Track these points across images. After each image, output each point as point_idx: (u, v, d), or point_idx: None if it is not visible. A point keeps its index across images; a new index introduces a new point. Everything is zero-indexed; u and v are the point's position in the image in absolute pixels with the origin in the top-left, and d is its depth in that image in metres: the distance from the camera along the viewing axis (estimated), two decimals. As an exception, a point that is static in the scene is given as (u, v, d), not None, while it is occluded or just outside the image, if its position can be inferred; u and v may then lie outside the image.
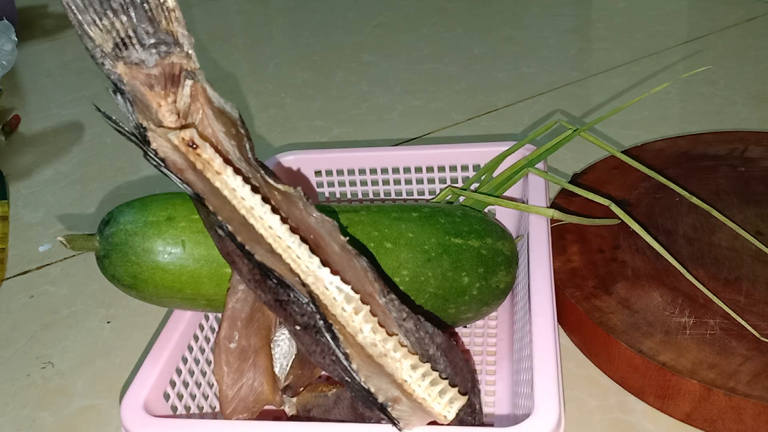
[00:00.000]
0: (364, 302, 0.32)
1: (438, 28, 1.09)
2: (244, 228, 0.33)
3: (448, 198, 0.51)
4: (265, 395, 0.40)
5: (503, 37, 1.02)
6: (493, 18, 1.10)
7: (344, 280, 0.32)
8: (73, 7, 0.32)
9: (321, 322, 0.31)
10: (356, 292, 0.32)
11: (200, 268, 0.38)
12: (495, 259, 0.44)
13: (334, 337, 0.31)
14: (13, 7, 1.21)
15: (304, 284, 0.32)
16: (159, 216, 0.37)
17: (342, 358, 0.31)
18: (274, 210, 0.33)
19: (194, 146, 0.33)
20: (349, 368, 0.31)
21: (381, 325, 0.32)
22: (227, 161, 0.34)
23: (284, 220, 0.33)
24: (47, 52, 1.18)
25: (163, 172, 0.33)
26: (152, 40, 0.33)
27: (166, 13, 0.33)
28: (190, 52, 0.34)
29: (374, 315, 0.32)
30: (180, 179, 0.33)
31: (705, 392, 0.39)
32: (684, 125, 0.73)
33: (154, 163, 0.33)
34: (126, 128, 0.33)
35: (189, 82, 0.33)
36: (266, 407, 0.44)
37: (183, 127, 0.33)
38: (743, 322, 0.43)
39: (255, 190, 0.34)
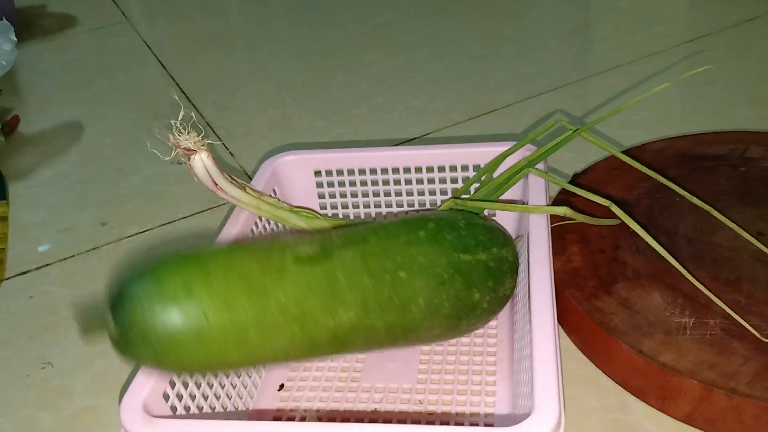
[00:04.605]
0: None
1: (438, 28, 1.09)
2: None
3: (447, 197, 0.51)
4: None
5: (503, 37, 1.02)
6: (493, 18, 1.10)
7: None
8: None
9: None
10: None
11: (226, 337, 0.35)
12: (501, 268, 0.44)
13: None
14: (12, 7, 1.21)
15: None
16: (177, 289, 0.34)
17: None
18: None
19: None
20: None
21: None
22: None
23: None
24: (47, 52, 1.18)
25: None
26: None
27: None
28: None
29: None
30: None
31: (705, 393, 0.39)
32: (684, 125, 0.73)
33: None
34: None
35: None
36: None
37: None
38: (744, 323, 0.43)
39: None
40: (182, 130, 0.41)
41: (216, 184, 0.44)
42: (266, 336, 0.36)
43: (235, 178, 0.46)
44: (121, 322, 0.34)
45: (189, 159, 0.42)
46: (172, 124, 0.41)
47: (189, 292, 0.34)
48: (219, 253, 0.36)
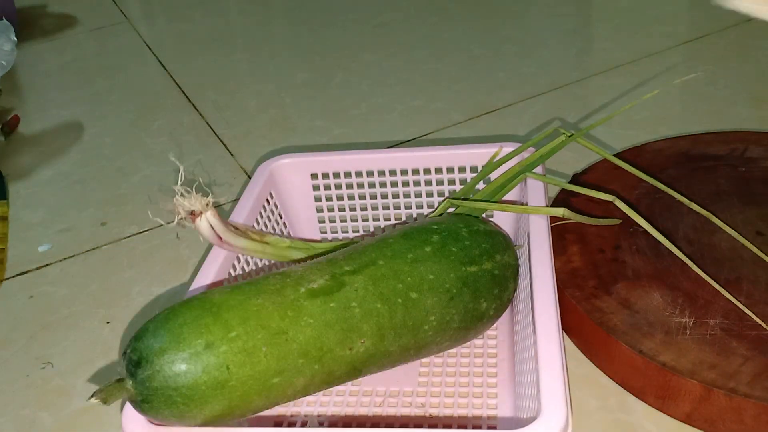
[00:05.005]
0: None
1: (438, 28, 1.09)
2: None
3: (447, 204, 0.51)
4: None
5: (503, 37, 1.02)
6: (493, 18, 1.10)
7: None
8: None
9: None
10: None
11: (249, 388, 0.35)
12: (505, 274, 0.44)
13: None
14: (12, 7, 1.21)
15: None
16: (196, 345, 0.33)
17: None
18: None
19: None
20: None
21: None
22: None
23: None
24: (46, 52, 1.18)
25: None
26: None
27: None
28: None
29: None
30: None
31: (705, 392, 0.39)
32: (684, 125, 0.73)
33: None
34: None
35: None
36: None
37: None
38: (752, 315, 0.42)
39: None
40: (185, 194, 0.41)
41: (221, 240, 0.44)
42: (288, 379, 0.36)
43: (237, 225, 0.46)
44: (140, 382, 0.33)
45: (193, 222, 0.42)
46: (175, 189, 0.41)
47: (208, 345, 0.33)
48: (231, 299, 0.36)
